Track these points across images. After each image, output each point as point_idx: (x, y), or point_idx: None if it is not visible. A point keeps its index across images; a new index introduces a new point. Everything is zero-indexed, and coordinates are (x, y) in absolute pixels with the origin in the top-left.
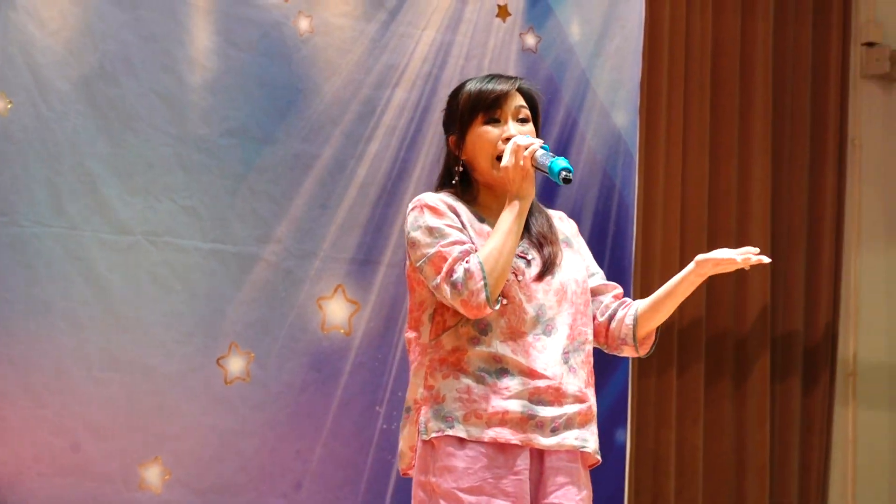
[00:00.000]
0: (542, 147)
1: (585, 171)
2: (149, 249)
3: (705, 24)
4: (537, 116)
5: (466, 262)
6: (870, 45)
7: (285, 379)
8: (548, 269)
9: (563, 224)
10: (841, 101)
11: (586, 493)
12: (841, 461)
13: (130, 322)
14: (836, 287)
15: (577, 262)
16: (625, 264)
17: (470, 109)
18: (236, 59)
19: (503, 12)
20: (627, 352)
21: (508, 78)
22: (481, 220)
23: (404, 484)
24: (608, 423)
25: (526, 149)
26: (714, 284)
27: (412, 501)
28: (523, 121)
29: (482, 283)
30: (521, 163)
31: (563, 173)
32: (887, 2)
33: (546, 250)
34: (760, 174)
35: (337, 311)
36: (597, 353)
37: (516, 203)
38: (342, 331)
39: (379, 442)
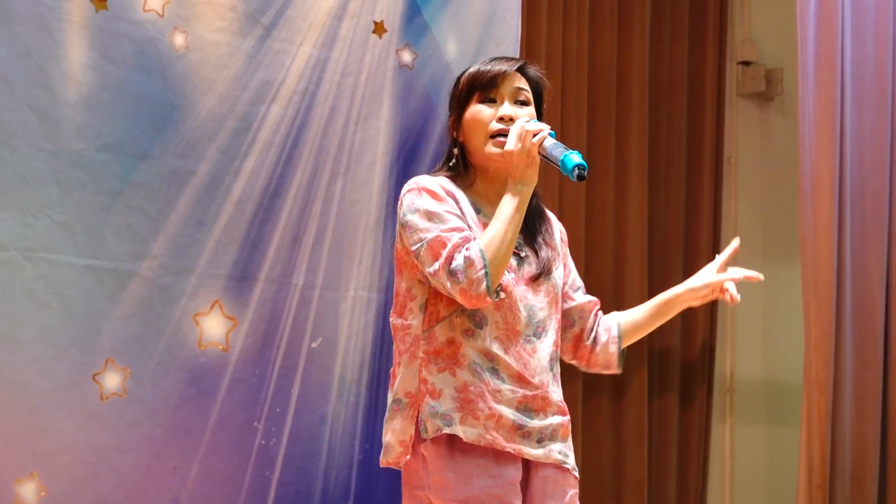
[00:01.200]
0: (549, 134)
1: None
2: (24, 265)
3: (581, 42)
4: (541, 101)
5: (467, 248)
6: (745, 63)
7: (162, 395)
8: (544, 270)
9: (556, 227)
10: (717, 119)
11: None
12: (718, 476)
13: (5, 338)
14: (713, 304)
15: (561, 269)
16: None
17: (467, 89)
18: (112, 75)
19: (379, 29)
20: (606, 372)
21: (510, 59)
22: (477, 211)
23: (283, 500)
24: None
25: (534, 135)
26: None
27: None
28: (522, 103)
29: (483, 271)
30: (528, 148)
31: (577, 170)
32: (762, 21)
33: (543, 250)
34: (637, 192)
35: (214, 327)
36: None
37: (518, 188)
38: (219, 347)
39: (257, 458)
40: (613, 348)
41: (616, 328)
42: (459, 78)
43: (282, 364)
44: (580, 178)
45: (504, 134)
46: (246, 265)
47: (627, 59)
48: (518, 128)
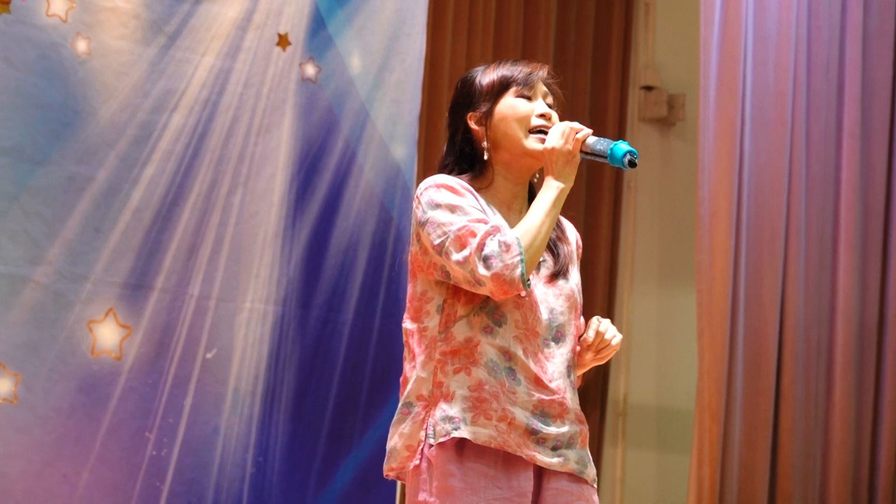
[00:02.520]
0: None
1: (362, 203)
2: None
3: (485, 60)
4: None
5: (501, 234)
6: (648, 88)
7: (54, 402)
8: (561, 271)
9: (571, 233)
10: None
11: None
12: (609, 500)
13: None
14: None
15: (577, 275)
16: (400, 296)
17: (501, 84)
18: (13, 79)
19: (283, 41)
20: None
21: (536, 63)
22: (494, 213)
23: None
24: (380, 455)
25: (577, 133)
26: None
27: None
28: (551, 107)
29: (519, 257)
30: (570, 146)
31: (629, 156)
32: (666, 47)
33: (560, 251)
34: None
35: (108, 335)
36: (368, 384)
37: (557, 185)
38: (113, 355)
39: (148, 468)
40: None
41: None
42: (474, 76)
43: (175, 374)
44: (632, 164)
45: (544, 130)
46: (142, 274)
47: None
48: (563, 126)
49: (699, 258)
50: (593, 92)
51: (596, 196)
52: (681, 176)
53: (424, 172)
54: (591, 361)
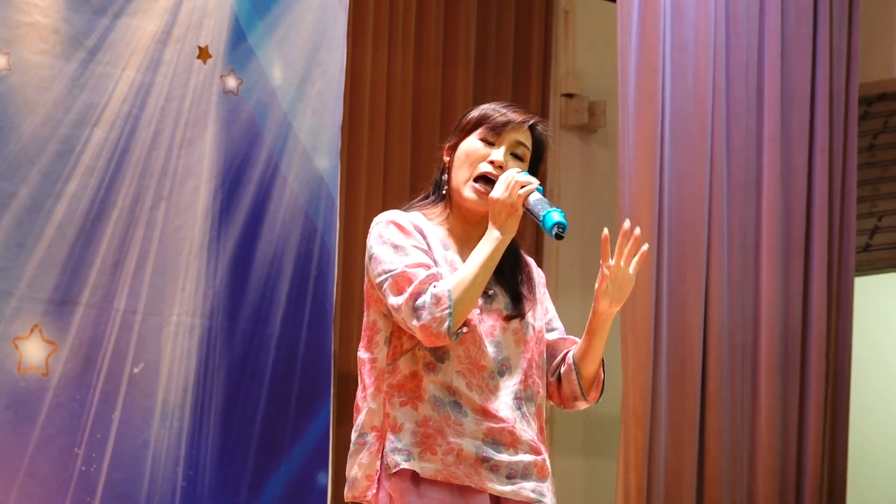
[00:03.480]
0: (538, 189)
1: (287, 215)
2: None
3: (406, 71)
4: (538, 162)
5: (434, 286)
6: (569, 96)
7: None
8: (517, 311)
9: (535, 272)
10: None
11: None
12: None
13: None
14: None
15: (539, 311)
16: (326, 307)
17: (476, 122)
18: None
19: (204, 54)
20: (582, 405)
21: (526, 113)
22: (445, 248)
23: None
24: (310, 467)
25: (522, 186)
26: None
27: None
28: (517, 157)
29: (448, 310)
30: (514, 199)
31: (556, 229)
32: (586, 54)
33: (518, 292)
34: None
35: (34, 351)
36: (296, 396)
37: (496, 236)
38: (39, 371)
39: (78, 483)
40: (572, 377)
41: (571, 357)
42: (471, 111)
43: (103, 389)
44: (558, 237)
45: (487, 178)
46: (66, 289)
47: (452, 91)
48: (508, 177)
49: None
50: (515, 100)
51: None
52: (603, 183)
53: (347, 183)
54: (607, 299)
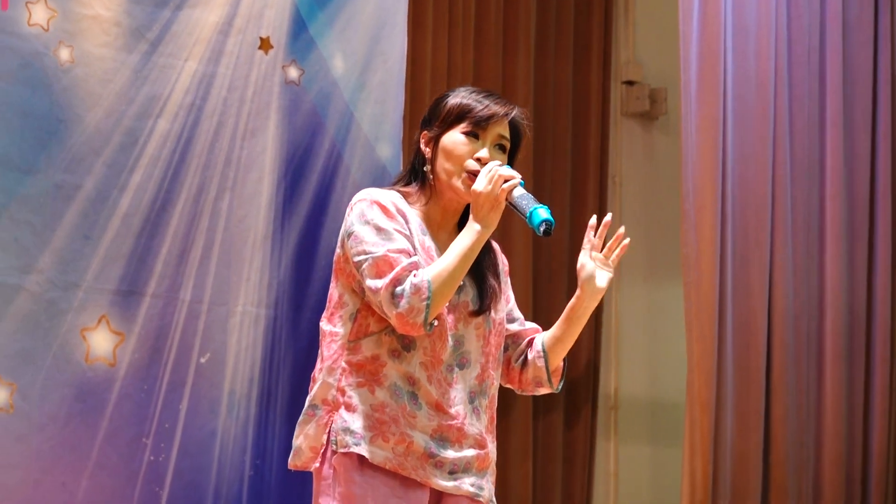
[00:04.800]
0: (520, 184)
1: None
2: None
3: (467, 59)
4: (516, 152)
5: (415, 275)
6: (630, 83)
7: (49, 410)
8: (484, 305)
9: (499, 258)
10: (601, 138)
11: None
12: (603, 493)
13: None
14: (598, 322)
15: (502, 304)
16: None
17: (458, 113)
18: None
19: (265, 45)
20: (542, 391)
21: (505, 102)
22: (423, 233)
23: None
24: None
25: (506, 181)
26: None
27: None
28: (500, 148)
29: (426, 302)
30: (496, 193)
31: (544, 226)
32: (647, 41)
33: (486, 287)
34: None
35: (101, 342)
36: None
37: (477, 230)
38: (107, 362)
39: (146, 473)
40: (540, 363)
41: (540, 344)
42: (447, 96)
43: (170, 379)
44: (546, 233)
45: (472, 173)
46: (133, 280)
47: (512, 78)
48: (490, 170)
49: (685, 252)
50: (575, 88)
51: (581, 192)
52: (665, 170)
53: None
54: (589, 290)
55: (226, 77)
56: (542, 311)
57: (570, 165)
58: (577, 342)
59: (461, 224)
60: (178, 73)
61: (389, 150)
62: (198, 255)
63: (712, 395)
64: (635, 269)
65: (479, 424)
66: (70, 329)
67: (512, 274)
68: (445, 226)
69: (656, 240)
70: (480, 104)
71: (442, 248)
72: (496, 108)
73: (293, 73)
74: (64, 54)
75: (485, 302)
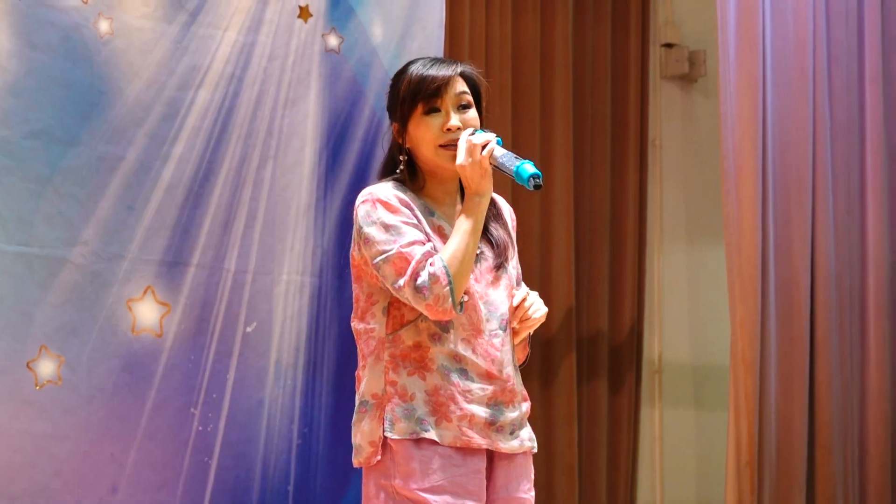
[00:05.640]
0: (497, 142)
1: None
2: None
3: (504, 26)
4: (480, 101)
5: (431, 264)
6: (668, 46)
7: (97, 382)
8: (501, 263)
9: (506, 210)
10: (641, 102)
11: (532, 475)
12: (648, 458)
13: None
14: (640, 287)
15: (515, 258)
16: None
17: (411, 98)
18: (37, 61)
19: (305, 13)
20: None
21: (450, 63)
22: (431, 213)
23: (222, 485)
24: None
25: (483, 147)
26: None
27: (367, 500)
28: (465, 107)
29: (448, 288)
30: (479, 160)
31: (533, 180)
32: (684, 4)
33: (496, 238)
34: (562, 176)
35: (147, 313)
36: None
37: (476, 200)
38: (153, 333)
39: (195, 443)
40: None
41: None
42: (398, 82)
43: (217, 349)
44: (536, 187)
45: (452, 143)
46: (177, 251)
47: (551, 43)
48: (464, 142)
49: (727, 212)
50: (614, 52)
51: (621, 157)
52: (705, 132)
53: None
54: (520, 329)
55: (266, 46)
56: (583, 278)
57: (611, 130)
58: (619, 307)
59: (462, 191)
60: (217, 43)
61: None
62: (241, 224)
63: (756, 356)
64: (677, 232)
65: (519, 376)
66: (116, 300)
67: (553, 242)
68: (448, 199)
69: (697, 202)
70: (426, 79)
71: (450, 221)
72: (441, 75)
73: (333, 41)
74: (103, 26)
75: (502, 254)
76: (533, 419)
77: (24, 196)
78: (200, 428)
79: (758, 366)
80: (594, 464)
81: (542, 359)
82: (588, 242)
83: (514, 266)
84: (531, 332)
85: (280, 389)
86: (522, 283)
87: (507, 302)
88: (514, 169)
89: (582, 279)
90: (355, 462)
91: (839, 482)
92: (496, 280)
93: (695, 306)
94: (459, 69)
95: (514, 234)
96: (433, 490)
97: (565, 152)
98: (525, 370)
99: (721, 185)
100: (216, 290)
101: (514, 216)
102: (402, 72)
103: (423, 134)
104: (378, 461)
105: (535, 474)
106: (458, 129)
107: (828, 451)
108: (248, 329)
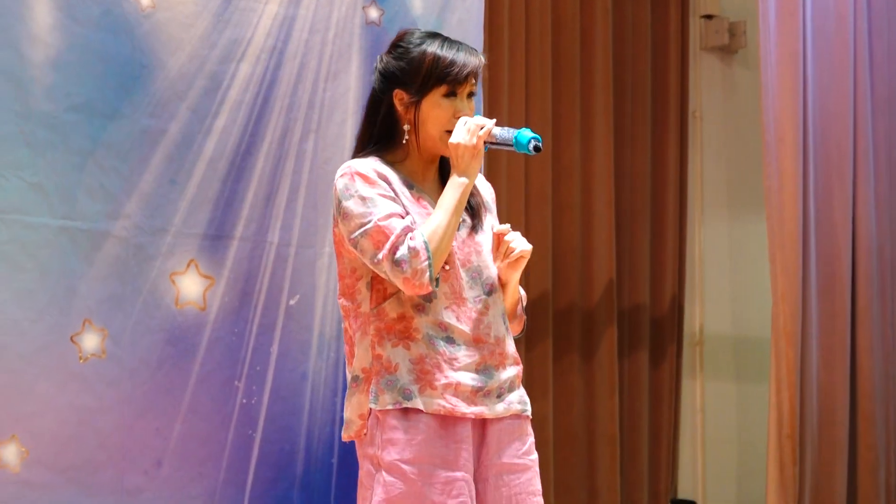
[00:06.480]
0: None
1: None
2: None
3: None
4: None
5: (411, 238)
6: (708, 17)
7: (141, 355)
8: (476, 223)
9: (483, 186)
10: (681, 73)
11: (530, 441)
12: (690, 430)
13: None
14: (681, 259)
15: (490, 219)
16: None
17: (437, 76)
18: (79, 35)
19: None
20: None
21: (474, 50)
22: (410, 186)
23: (266, 459)
24: None
25: (481, 128)
26: (559, 259)
27: (359, 472)
28: (471, 95)
29: (427, 262)
30: (474, 142)
31: (534, 143)
32: None
33: (474, 205)
34: (603, 148)
35: (191, 286)
36: None
37: (463, 180)
38: (197, 306)
39: (240, 417)
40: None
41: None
42: (418, 55)
43: (260, 322)
44: (537, 149)
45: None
46: (220, 224)
47: (590, 15)
48: (468, 122)
49: (767, 184)
50: (654, 23)
51: (662, 129)
52: (745, 104)
53: (489, 111)
54: (505, 270)
55: (306, 19)
56: (624, 250)
57: (651, 102)
58: (661, 279)
59: (441, 168)
60: (259, 16)
61: None
62: (284, 197)
63: (797, 327)
64: (718, 204)
65: (511, 341)
66: (159, 274)
67: (594, 215)
68: (427, 175)
69: (738, 174)
70: (456, 63)
71: (429, 196)
72: (472, 63)
73: (373, 13)
74: (145, 0)
75: (477, 214)
76: (574, 391)
77: (67, 170)
78: (244, 401)
79: (799, 337)
80: (636, 435)
81: (583, 332)
82: (629, 215)
83: (486, 221)
84: (523, 293)
85: (323, 362)
86: None
87: (490, 267)
88: (514, 137)
89: (623, 252)
90: (344, 436)
91: (881, 453)
92: (476, 246)
93: (735, 278)
94: (483, 60)
95: (494, 208)
96: (412, 461)
97: (605, 125)
98: (567, 343)
99: (762, 157)
100: (259, 263)
101: (493, 194)
102: (420, 44)
103: (438, 114)
104: (370, 437)
105: (576, 445)
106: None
107: (869, 423)
108: (292, 302)
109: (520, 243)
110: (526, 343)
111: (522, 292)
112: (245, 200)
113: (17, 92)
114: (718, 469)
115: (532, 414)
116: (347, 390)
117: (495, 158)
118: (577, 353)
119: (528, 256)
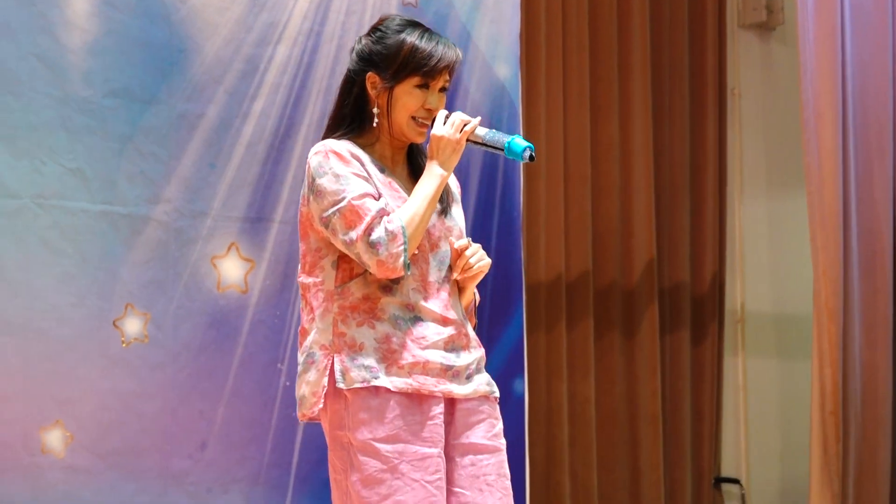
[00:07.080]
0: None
1: None
2: (37, 213)
3: None
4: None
5: (389, 221)
6: None
7: (183, 339)
8: (445, 208)
9: (451, 180)
10: (719, 51)
11: (500, 426)
12: (732, 408)
13: (21, 286)
14: (721, 237)
15: (460, 213)
16: (514, 215)
17: (414, 67)
18: (115, 21)
19: None
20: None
21: (451, 45)
22: (381, 170)
23: (311, 441)
24: (506, 374)
25: (465, 124)
26: (599, 238)
27: (328, 453)
28: (444, 90)
29: (402, 247)
30: (458, 137)
31: (528, 152)
32: None
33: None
34: (641, 127)
35: (232, 269)
36: (489, 304)
37: (441, 172)
38: (238, 289)
39: (283, 399)
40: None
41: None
42: (395, 42)
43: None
44: (531, 158)
45: (424, 120)
46: (260, 207)
47: None
48: (454, 116)
49: (807, 161)
50: (691, 2)
51: (700, 106)
52: (784, 81)
53: (527, 91)
54: (463, 282)
55: (343, 1)
56: (664, 229)
57: (689, 80)
58: (701, 257)
59: (409, 155)
60: None
61: (507, 70)
62: None
63: (839, 304)
64: (757, 181)
65: (470, 327)
66: (200, 258)
67: (633, 194)
68: (397, 160)
69: (777, 151)
70: (434, 57)
71: (399, 181)
72: (448, 58)
73: None
74: None
75: (444, 199)
76: (616, 371)
77: (107, 155)
78: (287, 383)
79: (841, 314)
80: (678, 414)
81: (624, 310)
82: (668, 193)
83: (459, 216)
84: (476, 295)
85: None
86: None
87: (449, 249)
88: (506, 144)
89: (662, 230)
90: (299, 415)
91: None
92: (446, 230)
93: (776, 255)
94: (461, 56)
95: (459, 200)
96: (386, 439)
97: (644, 103)
98: (607, 322)
99: (801, 134)
100: (299, 246)
101: (458, 186)
102: (399, 31)
103: (407, 102)
104: (333, 410)
105: (618, 424)
106: (434, 112)
107: None
108: None
109: (479, 259)
110: (567, 323)
111: (477, 295)
112: (284, 183)
113: (55, 78)
114: (761, 447)
115: (574, 393)
116: (300, 367)
117: (536, 135)
118: (619, 333)
119: (487, 270)
